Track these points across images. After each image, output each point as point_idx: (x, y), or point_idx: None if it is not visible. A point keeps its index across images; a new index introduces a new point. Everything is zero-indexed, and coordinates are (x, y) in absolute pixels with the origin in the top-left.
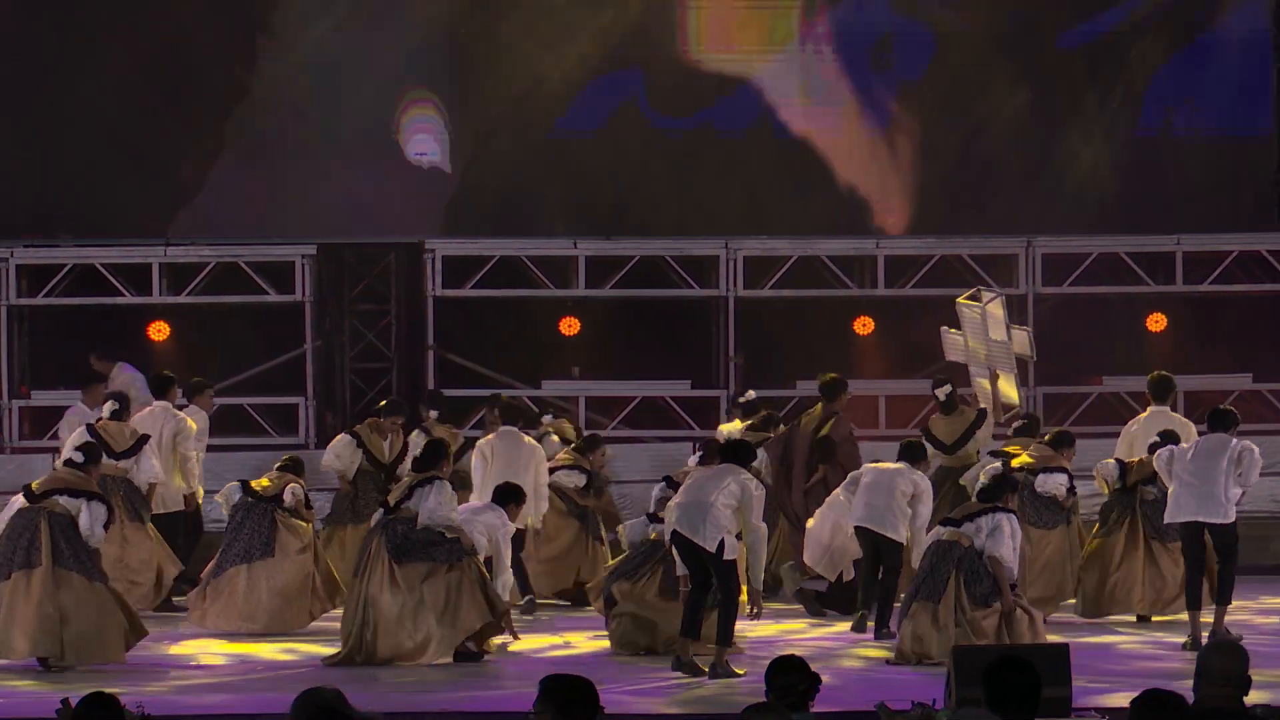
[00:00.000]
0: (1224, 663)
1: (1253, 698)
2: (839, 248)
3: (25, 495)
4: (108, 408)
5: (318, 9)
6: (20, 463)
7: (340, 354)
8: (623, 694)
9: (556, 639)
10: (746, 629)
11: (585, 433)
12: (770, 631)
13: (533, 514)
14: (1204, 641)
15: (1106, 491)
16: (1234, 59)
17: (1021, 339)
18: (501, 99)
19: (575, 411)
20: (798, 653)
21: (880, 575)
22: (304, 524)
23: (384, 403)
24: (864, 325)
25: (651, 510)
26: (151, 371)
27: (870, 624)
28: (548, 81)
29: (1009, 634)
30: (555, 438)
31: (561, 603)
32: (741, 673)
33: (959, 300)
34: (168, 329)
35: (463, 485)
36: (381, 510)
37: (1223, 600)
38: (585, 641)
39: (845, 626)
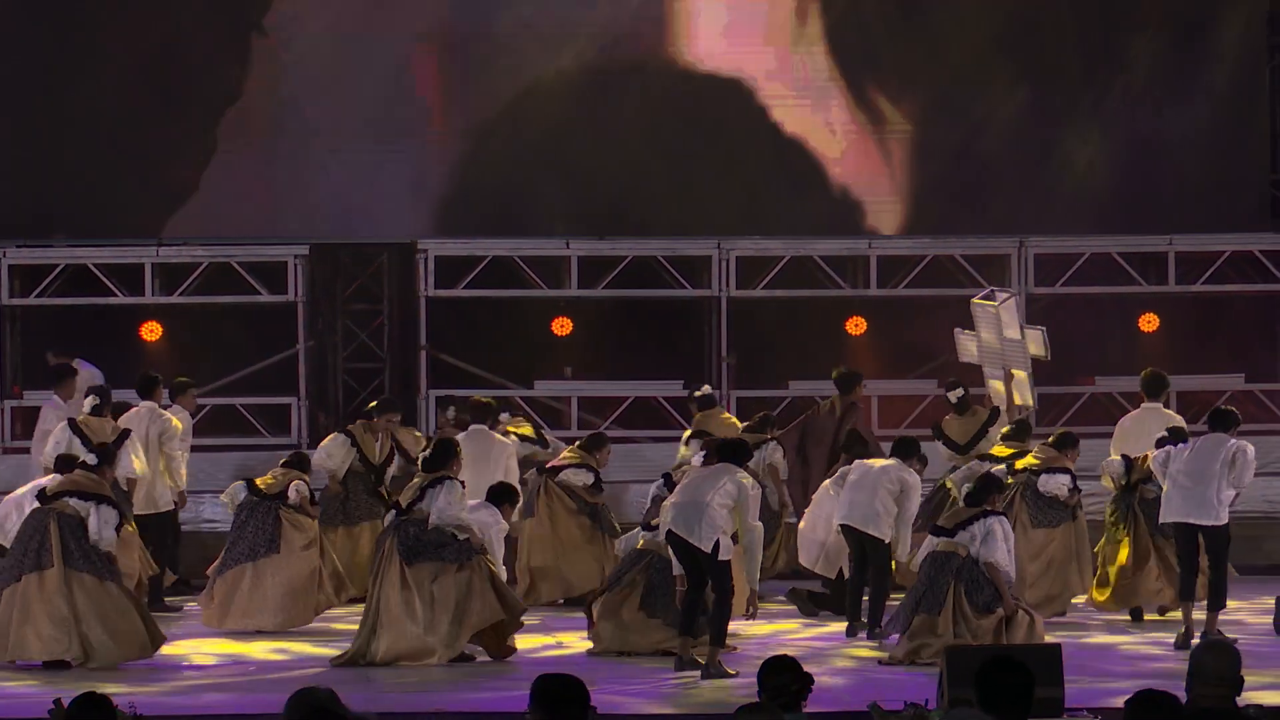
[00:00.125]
0: (1217, 662)
1: (1256, 700)
2: (832, 248)
3: (38, 497)
4: (88, 403)
5: (311, 9)
6: (13, 463)
7: (333, 354)
8: (615, 694)
9: (549, 639)
10: (740, 629)
11: (591, 431)
12: (764, 631)
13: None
14: (1195, 637)
15: (1114, 488)
16: (1228, 60)
17: (1035, 338)
18: (495, 99)
19: (568, 412)
20: (791, 653)
21: (870, 575)
22: (309, 520)
23: (375, 402)
24: (856, 325)
25: (648, 506)
26: (141, 372)
27: (862, 634)
28: (541, 81)
29: (1008, 636)
30: (513, 436)
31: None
32: (734, 673)
33: (973, 301)
34: (160, 329)
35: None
36: (393, 511)
37: (1215, 602)
38: (578, 642)
39: (838, 627)
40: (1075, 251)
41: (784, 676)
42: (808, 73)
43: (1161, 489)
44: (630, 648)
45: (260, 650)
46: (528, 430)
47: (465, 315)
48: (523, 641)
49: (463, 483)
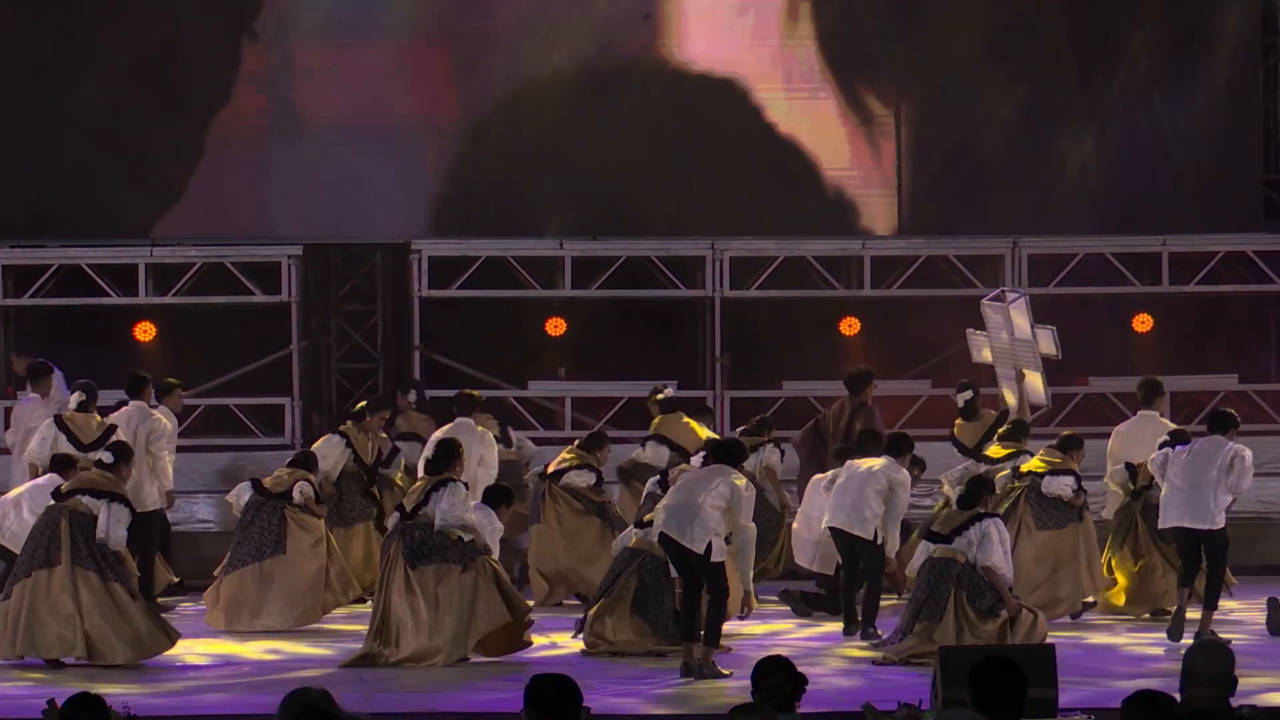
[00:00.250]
0: (1209, 663)
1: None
2: (825, 248)
3: (53, 495)
4: (74, 399)
5: (303, 9)
6: (6, 463)
7: (326, 354)
8: (609, 694)
9: (543, 639)
10: (735, 629)
11: (591, 430)
12: (757, 632)
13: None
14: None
15: (1125, 495)
16: (1222, 59)
17: (1046, 338)
18: (488, 100)
19: (562, 412)
20: (784, 653)
21: (864, 575)
22: (315, 519)
23: (364, 402)
24: (850, 326)
25: (641, 503)
26: (129, 372)
27: (858, 634)
28: (535, 82)
29: (1011, 636)
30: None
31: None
32: (728, 673)
33: (983, 301)
34: (154, 329)
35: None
36: (398, 515)
37: (1209, 604)
38: (572, 642)
39: (833, 627)
40: (1069, 252)
41: (778, 677)
42: (802, 73)
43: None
44: (623, 648)
45: (254, 650)
46: (493, 428)
47: (459, 315)
48: None
49: (466, 484)
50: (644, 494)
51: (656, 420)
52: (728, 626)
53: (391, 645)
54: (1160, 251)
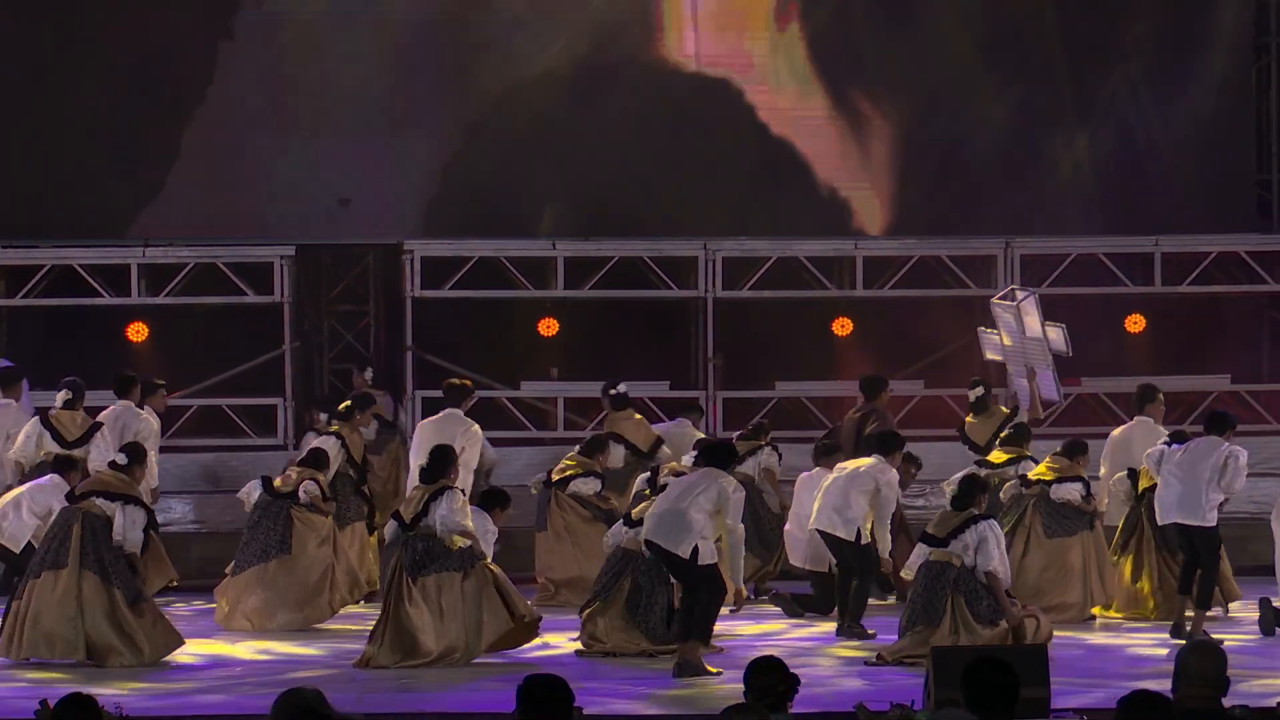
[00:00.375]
0: (1202, 663)
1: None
2: (818, 249)
3: (67, 496)
4: (60, 397)
5: (296, 8)
6: None
7: (319, 355)
8: (602, 694)
9: (536, 640)
10: (727, 630)
11: (590, 434)
12: (751, 632)
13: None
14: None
15: (1128, 500)
16: (1214, 60)
17: (1056, 336)
18: (481, 100)
19: (554, 413)
20: (777, 653)
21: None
22: (322, 518)
23: (348, 402)
24: (843, 326)
25: (630, 499)
26: (117, 371)
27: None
28: (527, 82)
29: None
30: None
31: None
32: (716, 672)
33: (993, 300)
34: (146, 330)
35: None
36: (395, 525)
37: (1201, 604)
38: (567, 643)
39: (826, 628)
40: (1061, 252)
41: (770, 677)
42: (795, 73)
43: None
44: (617, 648)
45: (245, 651)
46: None
47: (451, 316)
48: None
49: (463, 490)
50: (633, 491)
51: (609, 416)
52: (721, 626)
53: (413, 654)
54: (1153, 252)
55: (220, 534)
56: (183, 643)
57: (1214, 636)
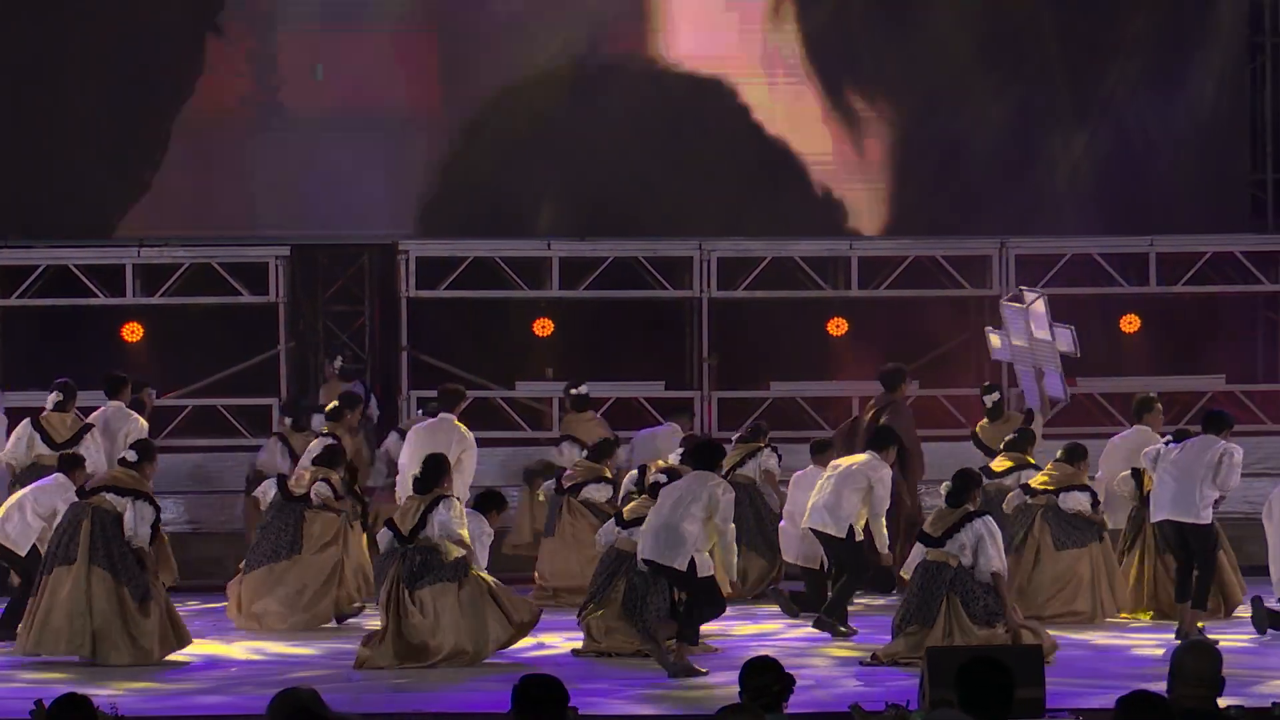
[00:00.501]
0: (1197, 663)
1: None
2: (813, 249)
3: (78, 493)
4: (51, 398)
5: (291, 5)
6: None
7: (314, 355)
8: (597, 694)
9: (531, 640)
10: (723, 630)
11: (600, 438)
12: (747, 632)
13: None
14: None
15: (1134, 500)
16: (1209, 61)
17: (1065, 337)
18: (476, 101)
19: (550, 413)
20: (772, 654)
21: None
22: (334, 517)
23: (335, 404)
24: (838, 326)
25: (619, 498)
26: (108, 373)
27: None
28: (523, 83)
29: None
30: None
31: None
32: (704, 671)
33: (1002, 301)
34: (141, 330)
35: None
36: (390, 535)
37: (1198, 603)
38: (563, 643)
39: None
40: (1057, 252)
41: (765, 677)
42: (790, 73)
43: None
44: (613, 649)
45: (241, 651)
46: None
47: (447, 316)
48: None
49: (458, 499)
50: (623, 487)
51: (567, 418)
52: (717, 626)
53: (422, 656)
54: (1148, 252)
55: (217, 534)
56: (190, 641)
57: (1210, 636)
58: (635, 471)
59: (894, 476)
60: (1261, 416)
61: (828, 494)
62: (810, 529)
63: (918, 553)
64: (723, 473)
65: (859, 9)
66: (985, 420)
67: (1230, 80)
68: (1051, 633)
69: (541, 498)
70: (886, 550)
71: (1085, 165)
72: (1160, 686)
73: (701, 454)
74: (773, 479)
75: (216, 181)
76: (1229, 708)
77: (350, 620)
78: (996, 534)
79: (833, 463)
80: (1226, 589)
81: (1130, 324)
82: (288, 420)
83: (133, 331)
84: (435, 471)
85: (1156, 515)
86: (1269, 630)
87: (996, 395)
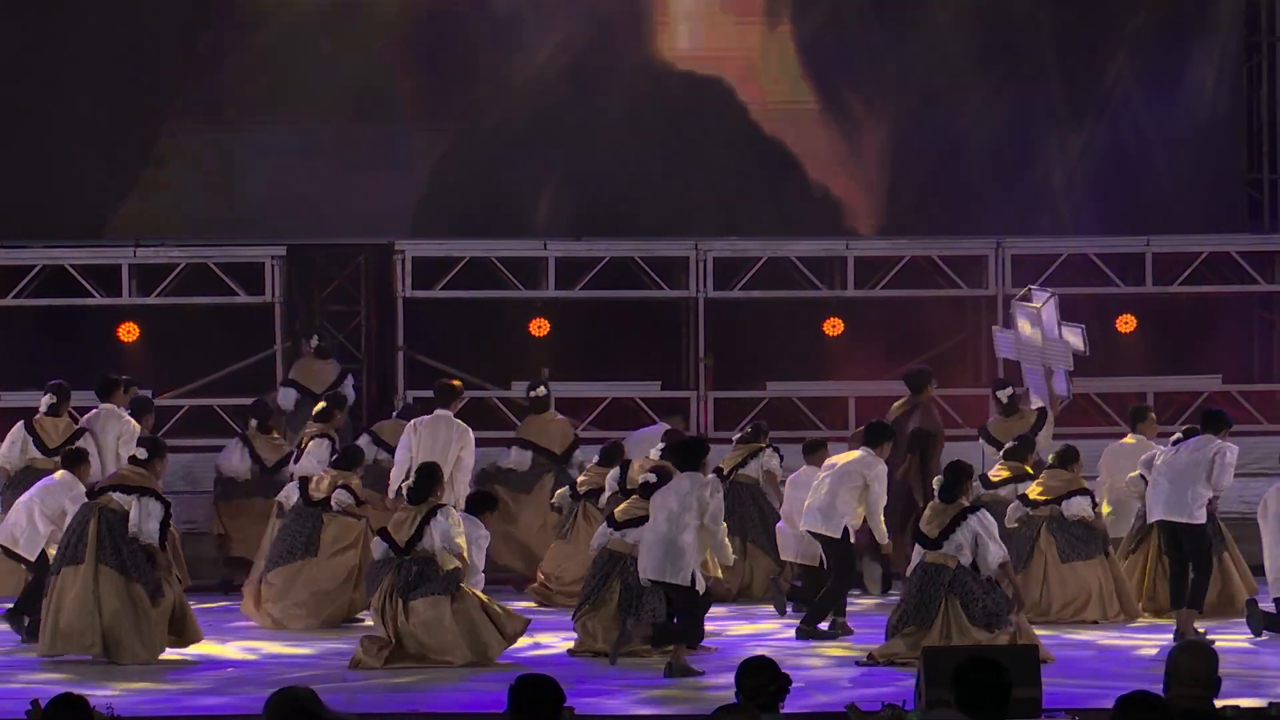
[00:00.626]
0: (1193, 663)
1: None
2: (809, 249)
3: (88, 493)
4: (45, 401)
5: (291, 10)
6: None
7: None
8: (593, 694)
9: (527, 639)
10: (719, 630)
11: (608, 443)
12: (743, 632)
13: (455, 497)
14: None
15: (1143, 502)
16: (1205, 61)
17: (1075, 336)
18: (472, 101)
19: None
20: (768, 654)
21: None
22: (353, 521)
23: (323, 405)
24: (834, 326)
25: (606, 496)
26: (101, 374)
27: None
28: (519, 83)
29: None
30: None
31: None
32: (700, 671)
33: (1014, 300)
34: (137, 330)
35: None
36: (384, 545)
37: (1193, 602)
38: (559, 642)
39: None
40: (1053, 252)
41: (761, 677)
42: (786, 73)
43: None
44: (608, 649)
45: (236, 651)
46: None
47: (443, 316)
48: None
49: (460, 496)
50: (609, 482)
51: (526, 419)
52: (713, 626)
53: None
54: (1144, 252)
55: (213, 535)
56: (198, 640)
57: (1208, 637)
58: (616, 468)
59: (912, 473)
60: (1258, 416)
61: (823, 495)
62: (809, 530)
63: (918, 553)
64: (723, 473)
65: (856, 8)
66: (999, 416)
67: (1227, 80)
68: (1053, 632)
69: (555, 503)
70: (886, 540)
71: (1081, 165)
72: (1155, 686)
73: (684, 453)
74: (774, 479)
75: (212, 181)
76: (1225, 708)
77: (356, 622)
78: (991, 525)
79: (827, 461)
80: (1231, 587)
81: (1126, 324)
82: (254, 422)
83: (129, 331)
84: (429, 481)
85: (1152, 515)
86: (1264, 632)
87: (1010, 391)
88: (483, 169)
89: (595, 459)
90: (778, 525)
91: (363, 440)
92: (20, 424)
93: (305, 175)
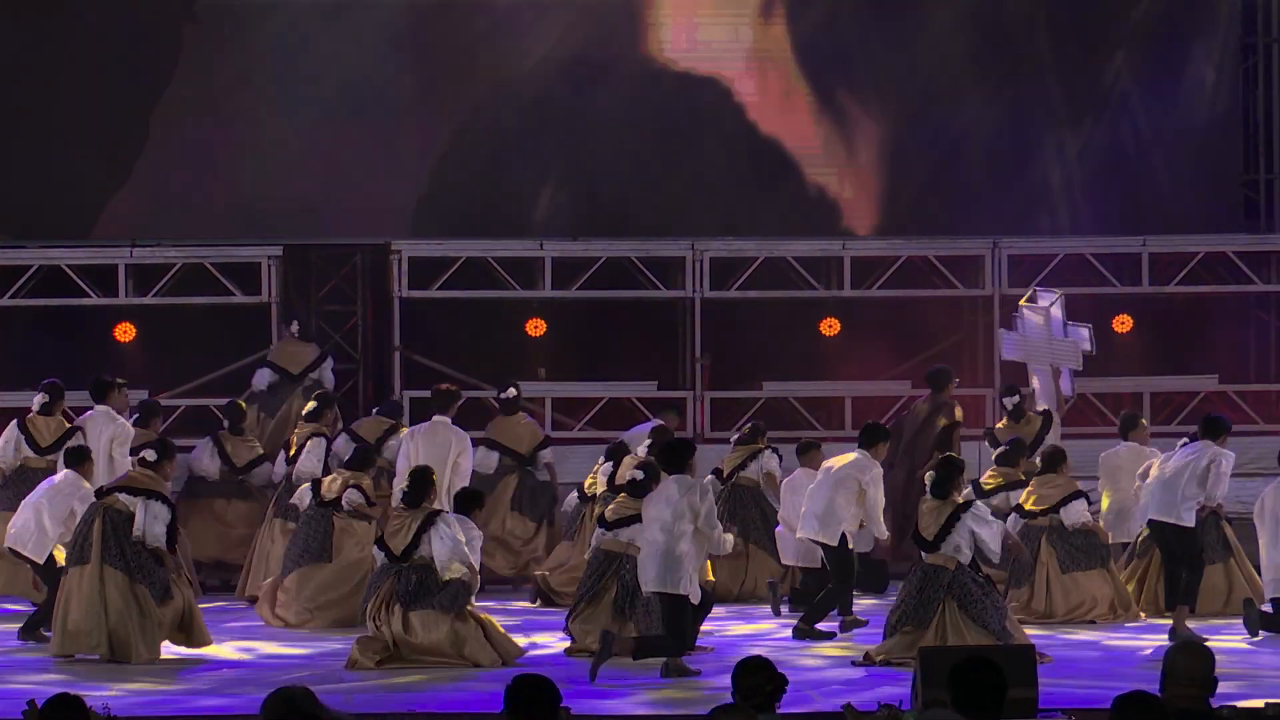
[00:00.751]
0: (1189, 663)
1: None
2: (805, 249)
3: (96, 493)
4: (37, 400)
5: (291, 10)
6: None
7: None
8: (590, 694)
9: (524, 640)
10: (716, 629)
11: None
12: (740, 632)
13: (446, 502)
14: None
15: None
16: (1203, 61)
17: (1083, 336)
18: (469, 101)
19: (542, 413)
20: (765, 654)
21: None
22: (365, 524)
23: (313, 405)
24: (830, 326)
25: (599, 492)
26: (96, 376)
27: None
28: (515, 82)
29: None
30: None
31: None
32: (696, 671)
33: (1020, 302)
34: (134, 330)
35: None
36: (381, 553)
37: (1186, 602)
38: (556, 642)
39: None
40: (1049, 253)
41: (758, 677)
42: (783, 73)
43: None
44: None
45: (232, 652)
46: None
47: (439, 316)
48: None
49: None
50: (600, 473)
51: (494, 421)
52: (710, 626)
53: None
54: (1140, 252)
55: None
56: (207, 643)
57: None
58: (609, 465)
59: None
60: (1254, 416)
61: (819, 501)
62: (807, 537)
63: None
64: (724, 475)
65: (853, 8)
66: (1006, 421)
67: (1225, 81)
68: (1051, 632)
69: (565, 506)
70: (885, 535)
71: (1079, 165)
72: (1153, 686)
73: (671, 455)
74: (774, 481)
75: (208, 181)
76: (1221, 708)
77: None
78: (985, 517)
79: (824, 464)
80: (1235, 588)
81: (1123, 324)
82: (226, 422)
83: (125, 331)
84: (423, 485)
85: (1142, 516)
86: (1261, 632)
87: (1017, 398)
88: (480, 169)
89: (601, 460)
90: (777, 529)
91: (340, 439)
92: (14, 423)
93: (302, 175)
